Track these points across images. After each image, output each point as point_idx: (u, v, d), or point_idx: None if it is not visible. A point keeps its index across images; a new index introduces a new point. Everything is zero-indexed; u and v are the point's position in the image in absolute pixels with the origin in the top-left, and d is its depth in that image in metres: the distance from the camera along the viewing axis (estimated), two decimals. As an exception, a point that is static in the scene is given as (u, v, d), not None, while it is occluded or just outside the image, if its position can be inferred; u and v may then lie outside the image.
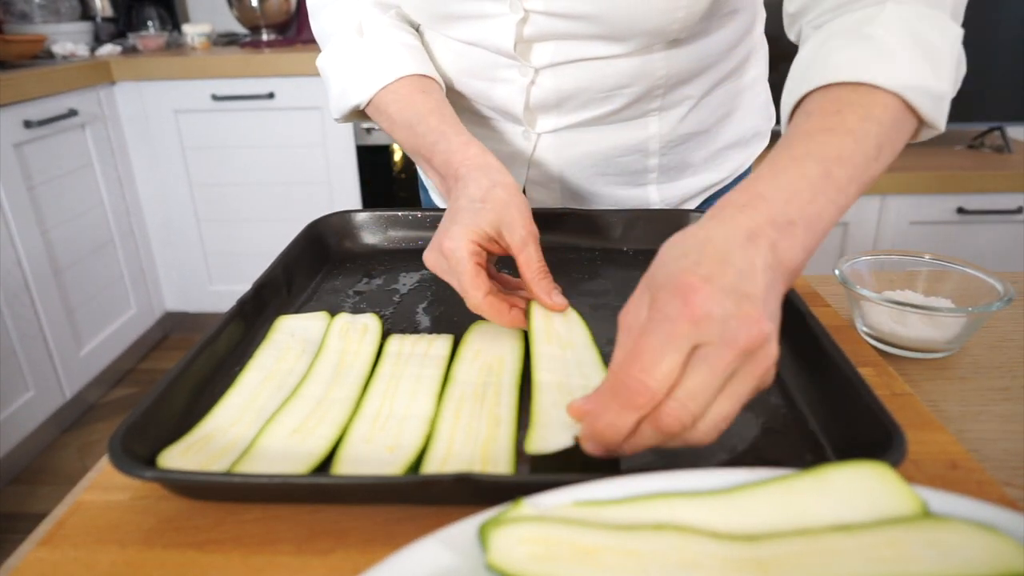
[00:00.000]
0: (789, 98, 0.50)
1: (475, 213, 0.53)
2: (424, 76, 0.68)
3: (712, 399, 0.35)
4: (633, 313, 0.38)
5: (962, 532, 0.29)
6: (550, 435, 0.39)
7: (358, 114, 0.71)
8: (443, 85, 0.70)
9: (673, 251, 0.38)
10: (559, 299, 0.53)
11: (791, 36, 0.58)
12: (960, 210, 1.82)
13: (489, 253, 0.54)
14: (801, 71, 0.49)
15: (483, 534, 0.30)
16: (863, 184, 0.43)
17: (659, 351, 0.34)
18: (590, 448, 0.37)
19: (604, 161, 0.75)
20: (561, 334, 0.50)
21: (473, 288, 0.51)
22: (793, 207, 0.40)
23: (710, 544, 0.29)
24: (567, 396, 0.43)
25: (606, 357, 0.51)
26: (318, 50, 0.74)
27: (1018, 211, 1.80)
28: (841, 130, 0.43)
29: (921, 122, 0.48)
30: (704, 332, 0.34)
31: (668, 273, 0.37)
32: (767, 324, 0.35)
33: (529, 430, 0.40)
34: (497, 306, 0.52)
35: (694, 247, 0.37)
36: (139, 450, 0.39)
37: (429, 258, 0.55)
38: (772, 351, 0.36)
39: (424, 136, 0.63)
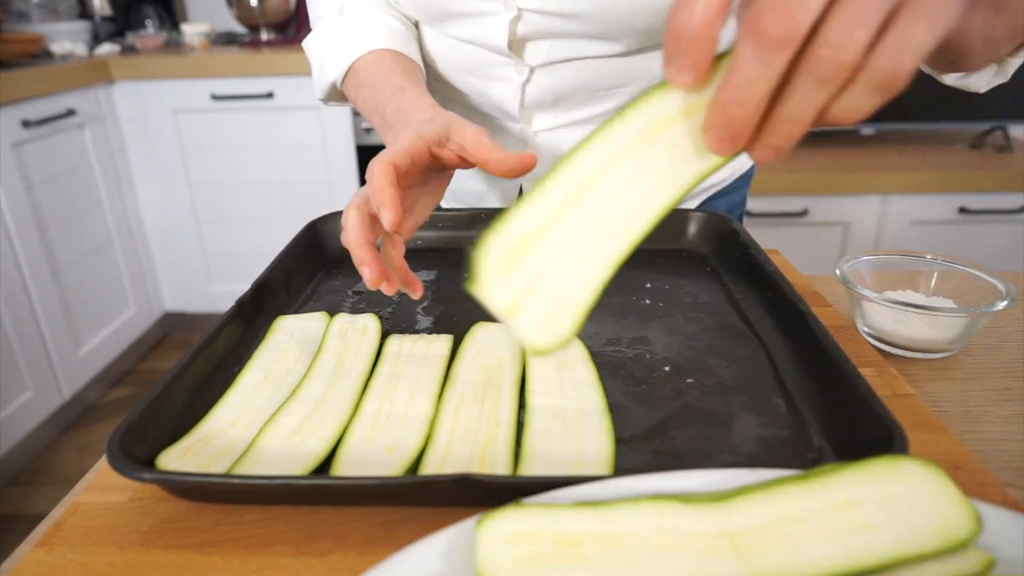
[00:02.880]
0: None
1: (419, 125, 0.51)
2: (399, 53, 0.66)
3: (880, 19, 0.25)
4: None
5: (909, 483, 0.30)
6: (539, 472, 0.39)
7: (341, 94, 0.71)
8: (422, 67, 0.69)
9: None
10: (528, 153, 0.50)
11: None
12: (962, 210, 1.82)
13: (438, 165, 0.51)
14: None
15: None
16: None
17: None
18: (713, 144, 0.28)
19: None
20: (556, 354, 0.50)
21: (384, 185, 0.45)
22: None
23: (689, 521, 0.30)
24: (560, 421, 0.43)
25: (605, 358, 0.51)
26: (318, 50, 0.75)
27: (1020, 211, 1.80)
28: None
29: None
30: None
31: None
32: None
33: (520, 463, 0.40)
34: (360, 222, 0.48)
35: None
36: (138, 451, 0.39)
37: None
38: None
39: (383, 90, 0.61)
